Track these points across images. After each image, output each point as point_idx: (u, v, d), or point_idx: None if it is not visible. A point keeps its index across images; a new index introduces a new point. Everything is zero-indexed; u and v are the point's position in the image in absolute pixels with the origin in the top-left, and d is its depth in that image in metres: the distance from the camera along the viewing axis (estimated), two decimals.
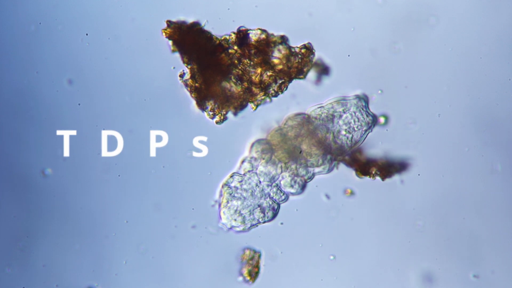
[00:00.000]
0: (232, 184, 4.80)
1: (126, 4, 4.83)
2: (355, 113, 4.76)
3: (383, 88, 4.82)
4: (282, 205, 4.85)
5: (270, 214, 4.82)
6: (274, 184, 4.78)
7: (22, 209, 4.98)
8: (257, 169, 4.78)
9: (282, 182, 4.78)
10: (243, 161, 4.82)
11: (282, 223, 4.88)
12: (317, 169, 4.78)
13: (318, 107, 4.80)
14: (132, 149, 4.90)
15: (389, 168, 4.82)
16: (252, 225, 4.83)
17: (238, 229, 4.83)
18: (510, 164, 4.86)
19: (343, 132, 4.75)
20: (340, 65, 4.81)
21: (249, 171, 4.79)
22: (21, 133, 4.95)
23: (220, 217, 4.84)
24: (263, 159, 4.72)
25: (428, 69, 4.84)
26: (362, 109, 4.78)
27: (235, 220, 4.80)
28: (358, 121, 4.77)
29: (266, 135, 4.80)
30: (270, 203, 4.80)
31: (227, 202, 4.80)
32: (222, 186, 4.82)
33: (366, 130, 4.80)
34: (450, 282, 4.90)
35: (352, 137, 4.77)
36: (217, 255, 4.94)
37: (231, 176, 4.81)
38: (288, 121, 4.76)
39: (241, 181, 4.79)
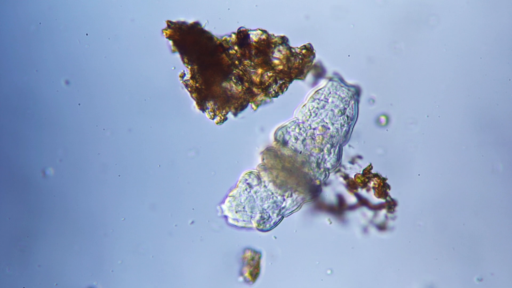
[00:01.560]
0: (251, 180, 4.77)
1: (126, 4, 4.83)
2: (336, 93, 4.75)
3: (383, 87, 4.83)
4: (287, 213, 4.84)
5: (267, 225, 4.80)
6: (287, 194, 4.77)
7: (22, 209, 4.98)
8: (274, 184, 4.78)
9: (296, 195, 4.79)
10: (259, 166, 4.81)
11: (275, 237, 4.87)
12: (328, 164, 4.76)
13: (302, 106, 4.79)
14: (132, 149, 4.91)
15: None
16: (245, 227, 4.81)
17: (230, 220, 4.81)
18: (511, 164, 4.87)
19: (338, 114, 4.73)
20: (340, 65, 4.82)
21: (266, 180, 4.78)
22: (21, 133, 4.95)
23: (223, 201, 4.82)
24: (281, 188, 4.73)
25: (428, 69, 4.85)
26: (341, 86, 4.77)
27: (236, 212, 4.77)
28: (344, 100, 4.76)
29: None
30: (274, 215, 4.79)
31: (238, 192, 4.79)
32: (245, 175, 4.80)
33: (354, 103, 4.79)
34: (450, 282, 4.91)
35: (348, 117, 4.75)
36: (217, 255, 4.94)
37: (262, 165, 4.79)
38: (265, 160, 4.75)
39: (259, 182, 4.77)
